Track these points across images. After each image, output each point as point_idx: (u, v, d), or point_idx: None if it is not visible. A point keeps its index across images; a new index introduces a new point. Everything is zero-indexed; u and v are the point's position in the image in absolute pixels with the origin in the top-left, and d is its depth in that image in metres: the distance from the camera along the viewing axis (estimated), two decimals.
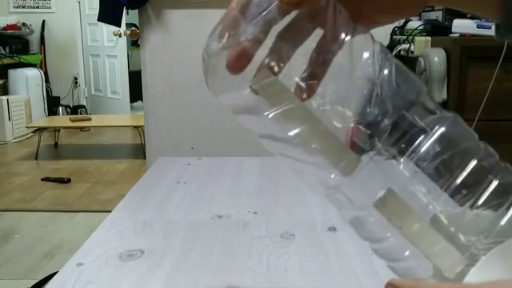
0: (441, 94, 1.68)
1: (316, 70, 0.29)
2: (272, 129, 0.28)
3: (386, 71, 0.28)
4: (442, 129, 0.27)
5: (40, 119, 5.28)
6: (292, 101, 0.28)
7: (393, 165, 0.27)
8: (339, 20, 0.29)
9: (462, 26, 1.73)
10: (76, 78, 6.06)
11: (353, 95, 0.28)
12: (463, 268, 0.25)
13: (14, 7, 5.86)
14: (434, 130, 0.26)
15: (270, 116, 0.27)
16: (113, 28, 5.10)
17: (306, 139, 0.27)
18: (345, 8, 0.30)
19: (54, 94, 5.90)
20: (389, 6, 0.33)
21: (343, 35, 0.29)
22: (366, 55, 0.28)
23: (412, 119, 0.27)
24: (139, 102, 5.63)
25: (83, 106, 6.00)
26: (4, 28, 5.54)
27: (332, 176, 0.27)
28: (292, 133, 0.27)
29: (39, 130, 4.61)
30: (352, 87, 0.28)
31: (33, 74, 5.44)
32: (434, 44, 1.78)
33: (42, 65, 5.79)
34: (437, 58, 1.66)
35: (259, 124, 0.29)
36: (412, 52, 1.82)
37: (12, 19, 5.67)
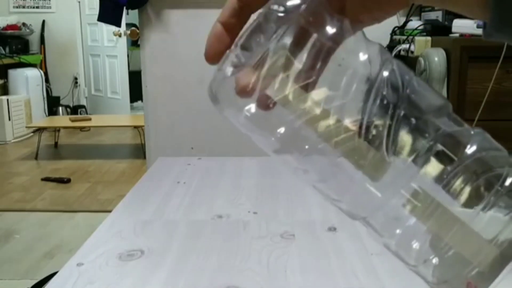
0: (441, 94, 1.68)
1: (312, 73, 0.29)
2: (294, 139, 0.28)
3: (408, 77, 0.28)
4: (477, 151, 0.26)
5: (40, 119, 5.28)
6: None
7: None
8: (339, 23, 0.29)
9: (462, 26, 1.73)
10: (76, 78, 6.06)
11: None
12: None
13: (14, 7, 5.86)
14: (469, 152, 0.26)
15: (294, 125, 0.27)
16: (113, 28, 5.12)
17: (331, 143, 0.27)
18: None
19: (54, 94, 5.91)
20: (370, 2, 0.33)
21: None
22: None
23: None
24: (139, 102, 5.63)
25: (83, 106, 6.00)
26: (4, 28, 5.54)
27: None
28: (318, 136, 0.27)
29: (39, 130, 4.61)
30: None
31: (33, 74, 5.45)
32: (434, 44, 1.78)
33: (42, 65, 5.79)
34: (437, 58, 1.66)
35: (274, 139, 0.29)
36: (412, 52, 1.82)
37: (12, 19, 5.68)
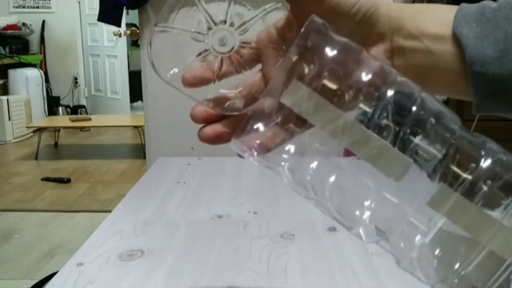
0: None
1: None
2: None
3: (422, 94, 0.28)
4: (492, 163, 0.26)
5: (40, 119, 5.27)
6: (334, 110, 0.27)
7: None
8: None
9: None
10: (76, 78, 6.06)
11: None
12: None
13: (14, 7, 5.86)
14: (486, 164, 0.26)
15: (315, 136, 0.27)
16: (113, 28, 5.10)
17: (356, 148, 0.27)
18: None
19: (54, 94, 5.90)
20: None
21: None
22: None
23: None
24: (139, 102, 5.63)
25: (83, 106, 6.00)
26: (4, 28, 5.54)
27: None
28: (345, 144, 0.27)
29: (39, 130, 4.61)
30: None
31: (33, 74, 5.44)
32: None
33: (42, 65, 5.79)
34: None
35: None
36: None
37: (12, 19, 5.67)
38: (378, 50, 0.35)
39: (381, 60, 0.34)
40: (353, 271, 0.66)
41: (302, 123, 0.28)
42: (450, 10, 0.34)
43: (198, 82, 0.34)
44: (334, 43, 0.29)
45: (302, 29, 0.28)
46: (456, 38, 0.33)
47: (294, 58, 0.28)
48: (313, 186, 0.29)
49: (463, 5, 0.34)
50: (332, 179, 0.28)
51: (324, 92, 0.27)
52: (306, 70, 0.28)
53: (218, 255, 0.71)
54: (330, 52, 0.28)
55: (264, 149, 0.31)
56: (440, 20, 0.34)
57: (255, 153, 0.31)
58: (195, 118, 0.35)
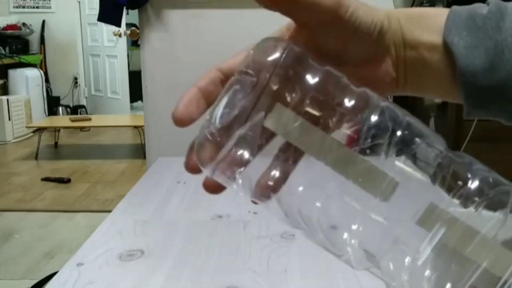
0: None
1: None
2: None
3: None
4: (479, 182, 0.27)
5: (40, 119, 5.28)
6: (320, 134, 0.27)
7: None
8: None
9: None
10: (76, 78, 6.06)
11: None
12: None
13: (14, 7, 5.86)
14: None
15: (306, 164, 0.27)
16: (113, 28, 5.10)
17: (342, 169, 0.27)
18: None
19: (54, 94, 5.90)
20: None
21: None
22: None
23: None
24: (139, 102, 5.63)
25: (83, 106, 6.00)
26: (4, 28, 5.54)
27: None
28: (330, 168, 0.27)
29: (39, 130, 4.61)
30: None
31: (33, 74, 5.45)
32: None
33: (42, 65, 5.79)
34: None
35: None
36: None
37: (12, 19, 5.68)
38: (387, 65, 0.34)
39: (390, 74, 0.34)
40: (353, 271, 0.66)
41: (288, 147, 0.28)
42: (443, 14, 0.34)
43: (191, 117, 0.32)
44: (315, 70, 0.29)
45: (282, 57, 0.28)
46: (447, 47, 0.33)
47: (275, 87, 0.28)
48: (301, 210, 0.29)
49: (454, 9, 0.34)
50: (318, 205, 0.28)
51: (308, 117, 0.27)
52: (288, 98, 0.28)
53: (218, 255, 0.71)
54: (311, 79, 0.28)
55: (267, 193, 0.30)
56: (432, 26, 0.34)
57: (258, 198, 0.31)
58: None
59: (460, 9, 0.34)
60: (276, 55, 0.28)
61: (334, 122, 0.28)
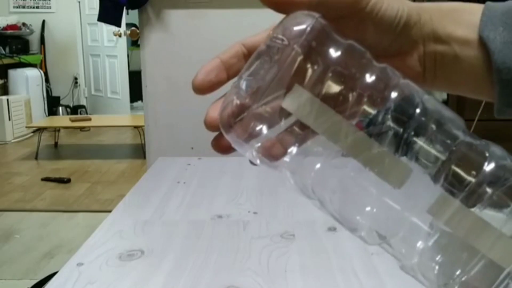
0: (441, 93, 1.68)
1: None
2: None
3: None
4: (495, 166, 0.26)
5: (40, 119, 5.28)
6: (335, 116, 0.27)
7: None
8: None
9: None
10: (76, 78, 6.06)
11: None
12: None
13: (14, 7, 5.86)
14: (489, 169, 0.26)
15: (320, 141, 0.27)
16: (113, 28, 5.11)
17: (356, 155, 0.27)
18: None
19: (54, 94, 5.90)
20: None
21: None
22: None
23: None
24: (139, 102, 5.63)
25: (83, 106, 6.00)
26: (4, 28, 5.54)
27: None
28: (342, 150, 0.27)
29: (39, 130, 4.61)
30: None
31: (33, 74, 5.45)
32: None
33: (42, 65, 5.79)
34: None
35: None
36: None
37: (12, 19, 5.67)
38: (412, 59, 0.34)
39: (415, 68, 0.34)
40: (353, 271, 0.66)
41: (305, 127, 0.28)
42: (477, 10, 0.33)
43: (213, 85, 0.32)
44: (338, 44, 0.29)
45: (308, 29, 0.28)
46: (483, 42, 0.32)
47: (299, 58, 0.28)
48: (314, 188, 0.29)
49: (489, 4, 0.33)
50: (333, 182, 0.28)
51: (327, 97, 0.27)
52: (310, 72, 0.28)
53: (218, 255, 0.71)
54: (334, 53, 0.28)
55: (273, 156, 0.31)
56: (466, 21, 0.33)
57: (259, 159, 0.31)
58: (210, 126, 0.31)
59: (495, 5, 0.33)
60: (305, 24, 0.28)
61: (353, 102, 0.28)
